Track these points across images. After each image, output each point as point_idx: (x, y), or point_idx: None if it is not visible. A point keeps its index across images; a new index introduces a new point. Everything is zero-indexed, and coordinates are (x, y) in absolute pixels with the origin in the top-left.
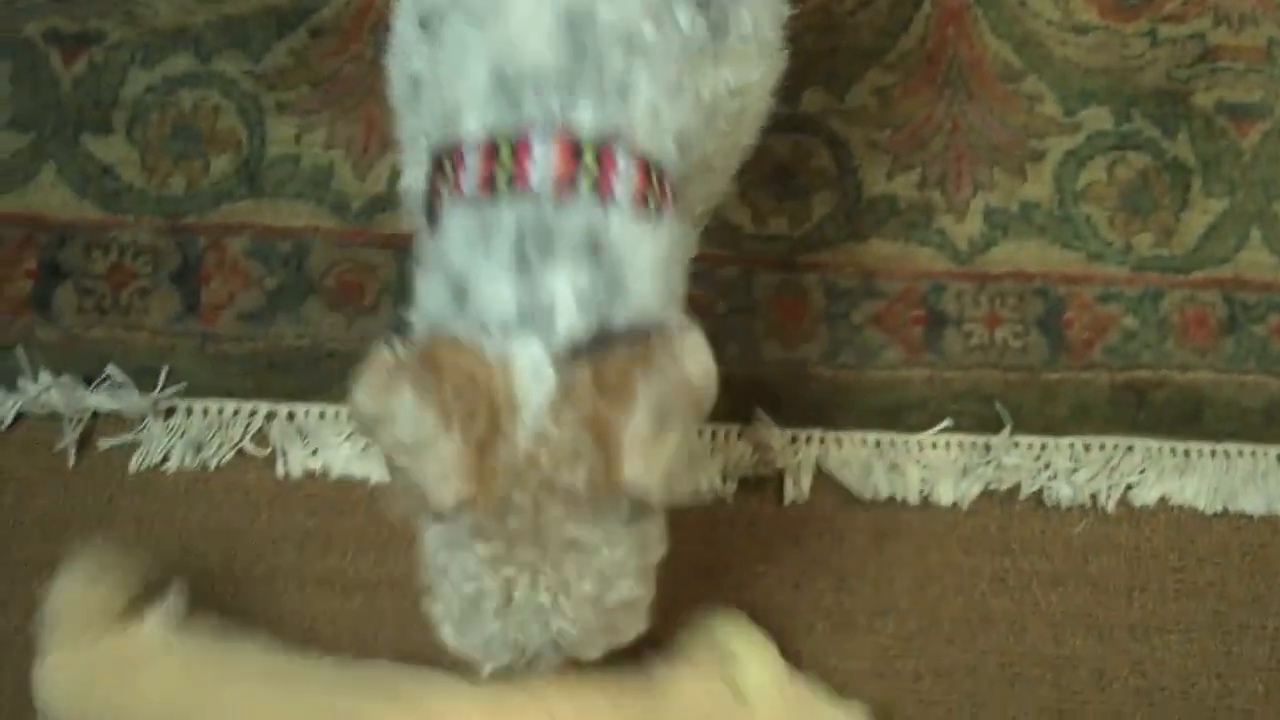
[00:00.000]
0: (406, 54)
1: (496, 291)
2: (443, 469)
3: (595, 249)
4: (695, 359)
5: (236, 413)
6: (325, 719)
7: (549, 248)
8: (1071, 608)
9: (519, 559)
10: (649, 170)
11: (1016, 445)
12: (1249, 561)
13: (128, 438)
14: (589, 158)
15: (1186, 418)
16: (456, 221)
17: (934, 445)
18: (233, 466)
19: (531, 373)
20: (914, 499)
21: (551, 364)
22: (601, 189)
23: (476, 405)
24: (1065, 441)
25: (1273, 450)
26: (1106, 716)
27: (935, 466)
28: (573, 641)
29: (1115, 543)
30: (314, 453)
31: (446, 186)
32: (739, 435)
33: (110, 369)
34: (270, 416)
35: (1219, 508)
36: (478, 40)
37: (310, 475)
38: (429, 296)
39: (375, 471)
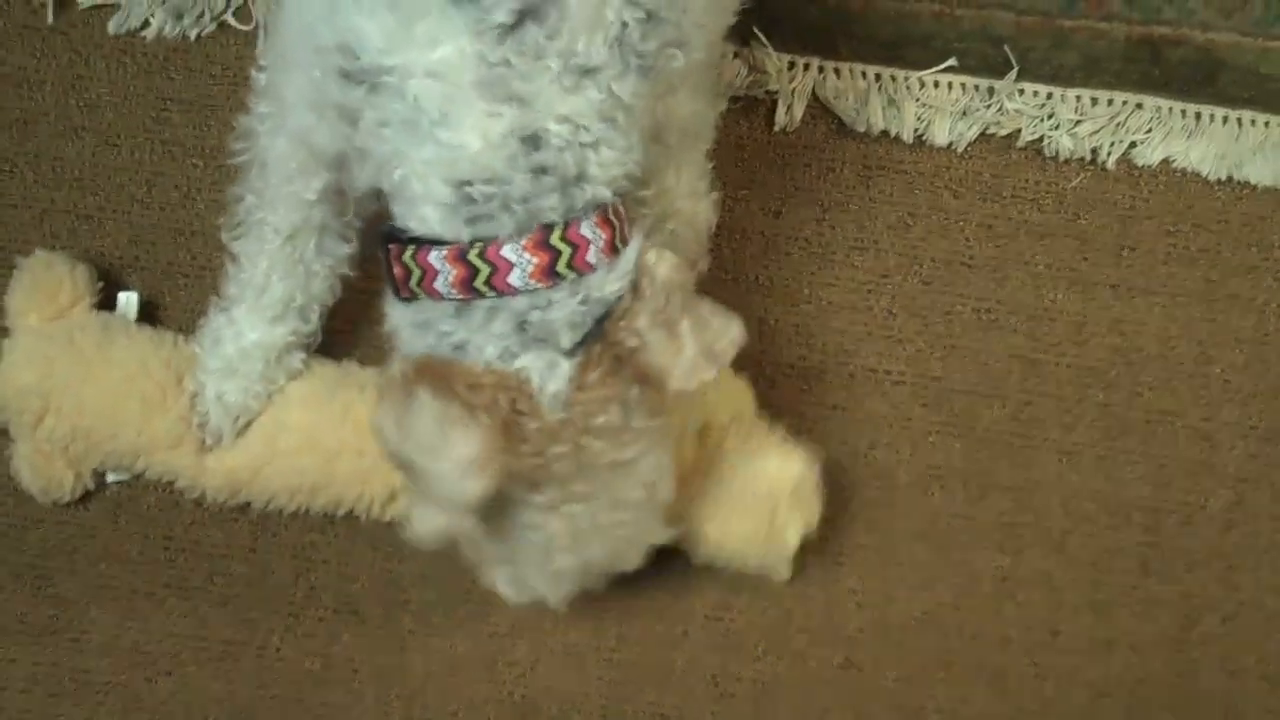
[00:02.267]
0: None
1: (501, 345)
2: (463, 464)
3: (585, 302)
4: (664, 264)
5: None
6: None
7: (544, 320)
8: (1057, 260)
9: (574, 494)
10: (610, 220)
11: (1021, 91)
12: (1247, 232)
13: None
14: (559, 242)
15: (1201, 80)
16: (441, 311)
17: (935, 84)
18: (213, 39)
19: (545, 369)
20: (908, 136)
21: (564, 358)
22: (579, 265)
23: (495, 396)
24: (1072, 93)
25: None
26: (1080, 370)
27: (934, 105)
28: (632, 547)
29: (1110, 200)
30: None
31: (412, 280)
32: (734, 55)
33: None
34: None
35: (1224, 175)
36: (430, 145)
37: None
38: (416, 343)
39: None
